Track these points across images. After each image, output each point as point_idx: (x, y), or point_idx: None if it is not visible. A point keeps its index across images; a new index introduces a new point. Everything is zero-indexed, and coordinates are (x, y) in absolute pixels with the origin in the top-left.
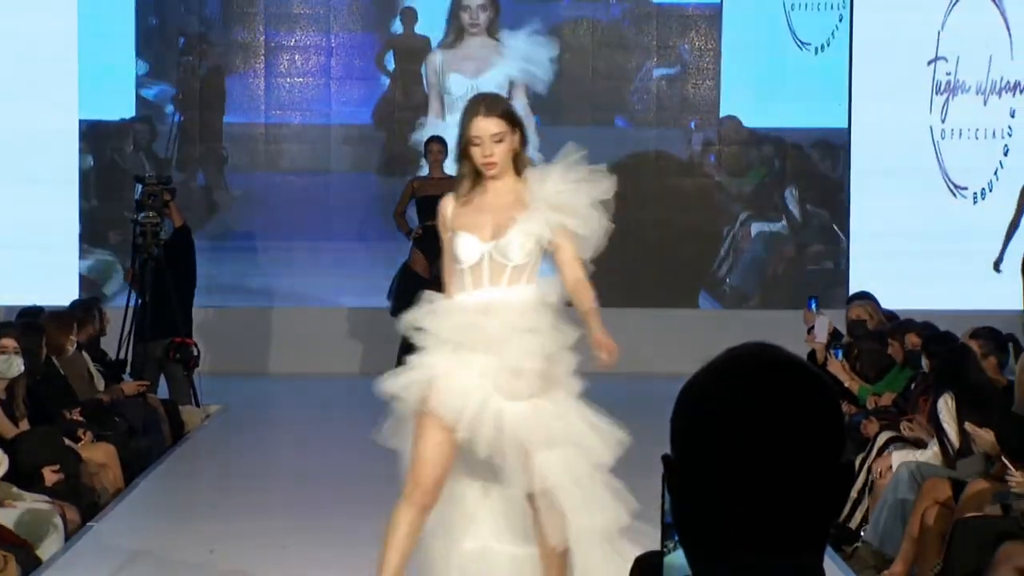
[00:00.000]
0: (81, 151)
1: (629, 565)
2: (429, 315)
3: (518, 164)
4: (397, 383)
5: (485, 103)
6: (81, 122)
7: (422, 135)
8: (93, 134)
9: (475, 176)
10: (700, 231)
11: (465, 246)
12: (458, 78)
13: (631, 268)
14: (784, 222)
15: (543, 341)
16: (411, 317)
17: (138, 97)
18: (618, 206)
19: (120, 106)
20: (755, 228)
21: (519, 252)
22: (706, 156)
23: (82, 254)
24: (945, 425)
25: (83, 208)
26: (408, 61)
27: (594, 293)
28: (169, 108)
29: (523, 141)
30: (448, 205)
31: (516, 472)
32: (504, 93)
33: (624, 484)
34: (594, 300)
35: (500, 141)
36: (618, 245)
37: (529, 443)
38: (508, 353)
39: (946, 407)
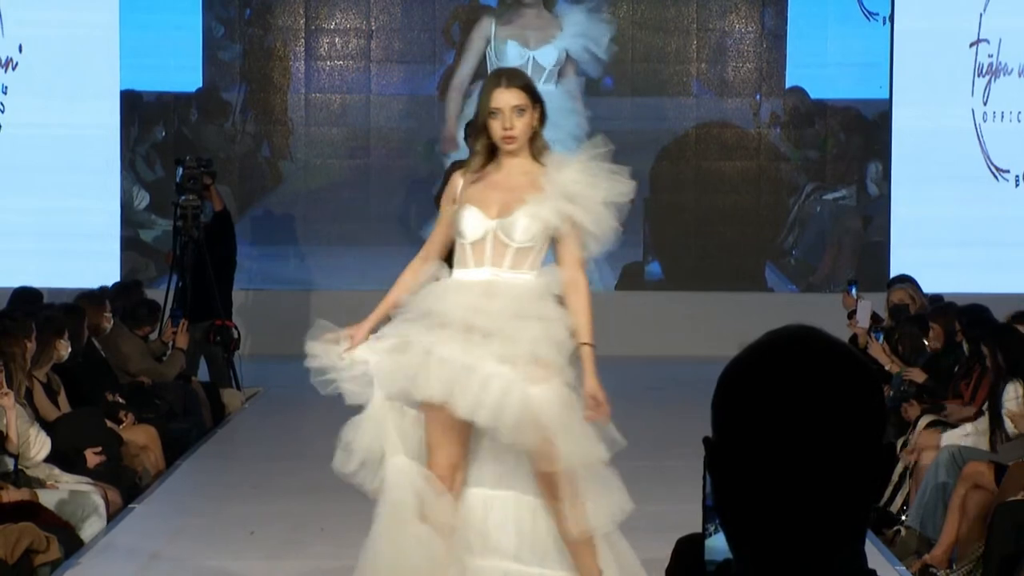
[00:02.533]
0: (150, 122)
1: (634, 554)
2: (432, 296)
3: (535, 144)
4: (405, 378)
5: (506, 75)
6: (146, 93)
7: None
8: (160, 105)
9: (489, 153)
10: (763, 205)
11: (469, 220)
12: (514, 46)
13: (691, 245)
14: (846, 193)
15: (554, 331)
16: (414, 299)
17: (204, 69)
18: (671, 185)
19: (186, 80)
20: (821, 200)
21: (523, 234)
22: (772, 128)
23: (150, 225)
24: (1006, 414)
25: (149, 179)
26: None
27: (589, 306)
28: (235, 80)
29: (542, 120)
30: (459, 179)
31: (543, 457)
32: (555, 68)
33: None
34: (591, 323)
35: (522, 113)
36: (681, 222)
37: (552, 427)
38: (515, 341)
39: (1015, 397)
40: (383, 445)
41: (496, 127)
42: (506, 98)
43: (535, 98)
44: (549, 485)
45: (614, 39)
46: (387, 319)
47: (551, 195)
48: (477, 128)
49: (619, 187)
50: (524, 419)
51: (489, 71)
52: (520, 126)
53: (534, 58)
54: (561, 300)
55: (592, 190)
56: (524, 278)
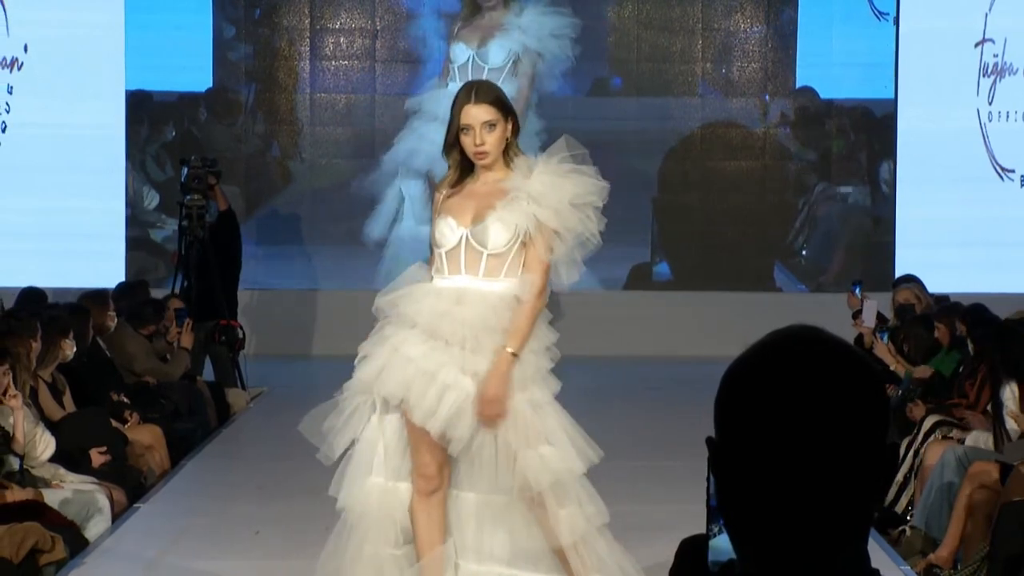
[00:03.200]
0: (160, 122)
1: (629, 556)
2: (405, 297)
3: (509, 154)
4: (370, 377)
5: (476, 90)
6: (156, 93)
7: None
8: (169, 105)
9: (464, 167)
10: (770, 205)
11: (444, 230)
12: (461, 47)
13: (700, 245)
14: (855, 192)
15: None
16: (387, 298)
17: (214, 69)
18: (678, 186)
19: (195, 80)
20: (831, 200)
21: (495, 240)
22: (781, 128)
23: (160, 225)
24: (1006, 413)
25: (159, 179)
26: None
27: (535, 318)
28: (243, 80)
29: (515, 130)
30: (438, 194)
31: (501, 475)
32: (508, 66)
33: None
34: (527, 334)
35: (492, 128)
36: (689, 222)
37: (510, 444)
38: (481, 353)
39: (1012, 396)
40: (370, 465)
41: (468, 143)
42: (475, 114)
43: (506, 111)
44: (527, 496)
45: (576, 39)
46: None
47: (518, 198)
48: (449, 142)
49: (586, 187)
50: (477, 435)
51: (449, 72)
52: (491, 141)
53: (475, 57)
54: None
55: (557, 191)
56: (497, 286)
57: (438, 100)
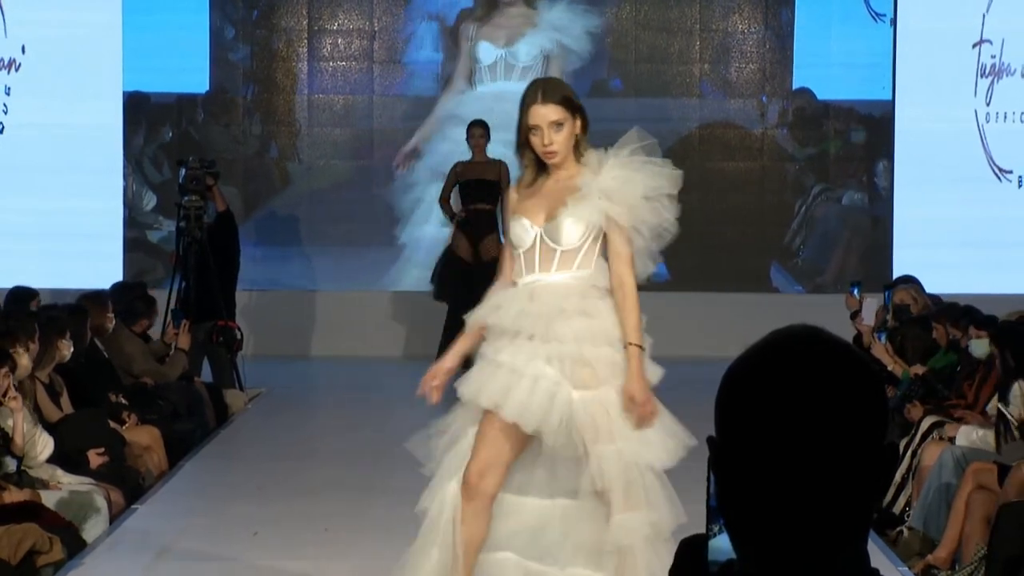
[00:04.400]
0: (157, 124)
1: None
2: (491, 311)
3: (579, 149)
4: (471, 392)
5: (543, 89)
6: (153, 94)
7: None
8: (167, 106)
9: (539, 164)
10: (767, 206)
11: (519, 230)
12: (487, 47)
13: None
14: (854, 193)
15: (601, 325)
16: (478, 318)
17: (211, 70)
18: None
19: (193, 81)
20: (828, 201)
21: (568, 236)
22: (779, 129)
23: (157, 226)
24: (1012, 411)
25: (157, 181)
26: None
27: (638, 307)
28: (242, 81)
29: (584, 126)
30: (513, 193)
31: (578, 466)
32: (538, 64)
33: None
34: (638, 323)
35: (560, 128)
36: (687, 223)
37: (593, 435)
38: (559, 339)
39: (1022, 394)
40: (454, 473)
41: (536, 143)
42: (543, 113)
43: (574, 108)
44: (600, 492)
45: (597, 35)
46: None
47: (590, 194)
48: (520, 143)
49: (658, 179)
50: (567, 423)
51: (473, 73)
52: (559, 140)
53: (506, 56)
54: (611, 293)
55: (630, 185)
56: (566, 277)
57: (464, 103)
